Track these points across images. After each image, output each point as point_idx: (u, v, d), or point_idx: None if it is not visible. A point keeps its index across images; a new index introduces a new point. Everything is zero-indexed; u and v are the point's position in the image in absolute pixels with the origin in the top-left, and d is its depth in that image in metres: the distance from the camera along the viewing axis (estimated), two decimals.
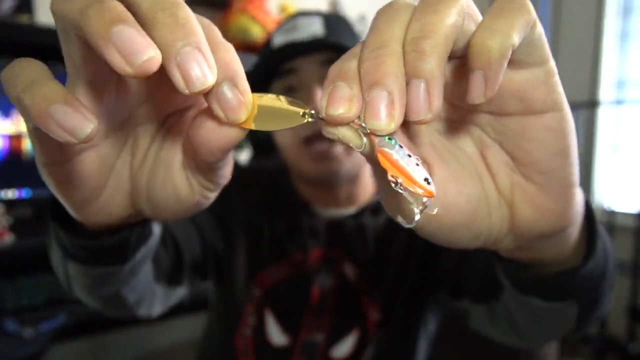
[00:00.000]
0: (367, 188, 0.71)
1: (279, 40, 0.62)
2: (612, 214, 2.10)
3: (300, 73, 0.61)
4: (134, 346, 1.72)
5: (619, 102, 2.05)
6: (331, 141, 0.59)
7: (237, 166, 0.76)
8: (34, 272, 1.26)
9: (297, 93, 0.62)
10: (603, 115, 2.32)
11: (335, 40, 0.60)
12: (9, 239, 1.29)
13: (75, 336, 1.37)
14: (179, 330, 1.83)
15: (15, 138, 1.30)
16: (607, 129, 2.31)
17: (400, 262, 0.66)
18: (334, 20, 0.63)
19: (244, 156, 1.70)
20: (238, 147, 1.68)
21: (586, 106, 2.21)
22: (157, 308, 0.53)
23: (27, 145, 1.31)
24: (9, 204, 1.38)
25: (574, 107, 2.00)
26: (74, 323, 1.10)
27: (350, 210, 0.69)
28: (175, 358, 1.78)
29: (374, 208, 0.69)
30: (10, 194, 1.32)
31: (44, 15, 1.40)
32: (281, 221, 0.69)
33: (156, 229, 0.38)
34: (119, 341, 1.68)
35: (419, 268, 0.66)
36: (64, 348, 1.55)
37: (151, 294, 0.49)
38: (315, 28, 0.60)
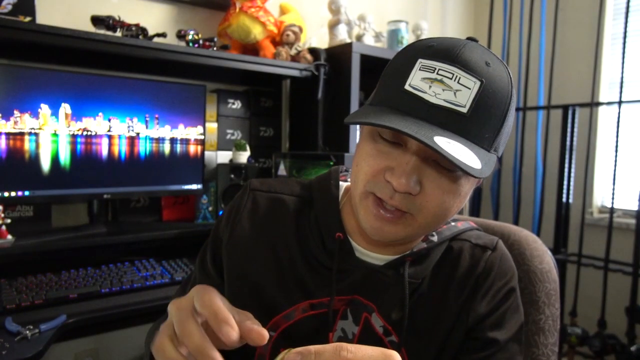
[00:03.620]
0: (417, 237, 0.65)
1: (417, 79, 0.52)
2: (612, 213, 2.10)
3: (408, 143, 0.54)
4: (134, 346, 1.72)
5: (618, 102, 2.05)
6: (399, 211, 0.55)
7: (277, 192, 0.71)
8: (34, 272, 1.27)
9: (391, 164, 0.54)
10: (603, 115, 2.32)
11: (458, 148, 0.49)
12: (9, 239, 1.29)
13: (75, 336, 1.37)
14: None
15: (15, 138, 1.30)
16: (607, 129, 2.32)
17: (434, 322, 0.63)
18: (492, 93, 0.51)
19: (244, 158, 1.70)
20: (240, 148, 1.68)
21: (586, 106, 2.21)
22: None
23: (27, 145, 1.32)
24: (9, 204, 1.38)
25: (574, 107, 1.99)
26: (74, 323, 1.10)
27: (391, 255, 0.63)
28: None
29: (418, 256, 0.63)
30: (10, 194, 1.32)
31: (44, 16, 1.40)
32: (312, 258, 0.65)
33: None
34: (119, 341, 1.68)
35: (452, 332, 0.62)
36: (64, 348, 1.55)
37: None
38: (462, 98, 0.50)
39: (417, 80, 0.52)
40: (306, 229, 0.67)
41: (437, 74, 0.51)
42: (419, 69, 0.52)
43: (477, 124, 0.51)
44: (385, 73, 0.58)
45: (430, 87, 0.51)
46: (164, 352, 0.44)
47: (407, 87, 0.52)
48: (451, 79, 0.51)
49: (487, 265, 0.65)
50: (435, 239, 0.65)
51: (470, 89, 0.51)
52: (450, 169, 0.53)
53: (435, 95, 0.51)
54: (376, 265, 0.63)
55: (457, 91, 0.51)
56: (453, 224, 0.68)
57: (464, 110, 0.50)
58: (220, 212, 1.67)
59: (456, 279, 0.64)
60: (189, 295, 0.47)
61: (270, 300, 0.65)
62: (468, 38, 0.56)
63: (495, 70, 0.53)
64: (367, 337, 0.63)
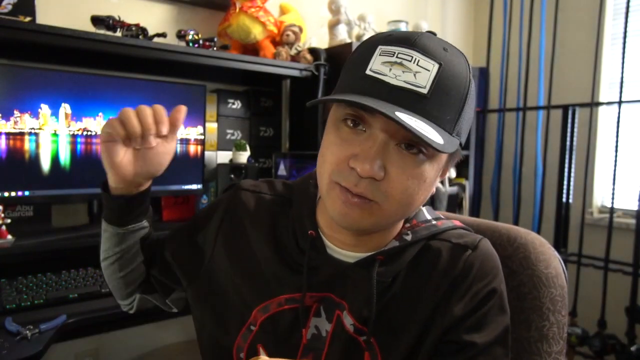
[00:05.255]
0: (391, 233, 0.65)
1: (377, 64, 0.53)
2: (612, 213, 2.10)
3: (371, 128, 0.54)
4: (134, 346, 1.72)
5: (618, 102, 2.05)
6: (366, 199, 0.55)
7: (260, 191, 0.74)
8: (34, 272, 1.26)
9: (354, 151, 0.55)
10: (603, 115, 2.32)
11: (422, 125, 0.50)
12: (9, 239, 1.29)
13: (75, 336, 1.36)
14: (178, 330, 1.82)
15: (15, 138, 1.30)
16: (607, 129, 2.32)
17: (406, 322, 0.62)
18: (451, 76, 0.53)
19: (244, 158, 1.70)
20: (240, 148, 1.68)
21: (586, 106, 2.21)
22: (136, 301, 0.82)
23: (27, 145, 1.32)
24: (9, 204, 1.38)
25: (574, 107, 1.99)
26: (74, 323, 1.10)
27: (364, 253, 0.64)
28: (174, 358, 1.78)
29: (389, 255, 0.63)
30: (10, 194, 1.32)
31: (44, 16, 1.40)
32: (286, 254, 0.66)
33: (145, 223, 0.75)
34: (119, 341, 1.68)
35: (425, 334, 0.62)
36: (64, 348, 1.55)
37: (139, 274, 0.77)
38: (422, 79, 0.52)
39: (378, 65, 0.53)
40: (283, 227, 0.68)
41: (397, 57, 0.53)
42: (379, 55, 0.54)
43: (437, 105, 0.52)
44: (346, 64, 0.59)
45: (390, 70, 0.52)
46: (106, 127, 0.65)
47: (368, 71, 0.53)
48: (410, 61, 0.52)
49: (466, 266, 0.62)
50: (409, 238, 0.64)
51: (429, 70, 0.52)
52: (413, 150, 0.54)
53: (396, 77, 0.52)
54: (347, 263, 0.63)
55: (416, 73, 0.52)
56: (434, 222, 0.67)
57: (424, 91, 0.51)
58: None
59: (432, 278, 0.63)
60: (107, 121, 0.65)
61: (249, 294, 0.66)
62: (427, 32, 0.58)
63: (453, 56, 0.55)
64: (340, 335, 0.62)
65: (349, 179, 0.54)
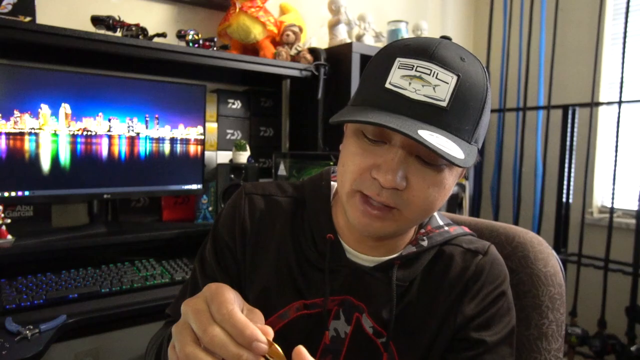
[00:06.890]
0: (406, 237, 0.67)
1: (396, 77, 0.54)
2: (612, 213, 2.10)
3: (392, 140, 0.55)
4: (134, 346, 1.72)
5: (618, 102, 2.05)
6: (386, 207, 0.56)
7: (273, 193, 0.72)
8: (34, 272, 1.27)
9: (376, 161, 0.55)
10: (603, 115, 2.32)
11: (442, 141, 0.51)
12: (9, 239, 1.29)
13: (75, 336, 1.37)
14: None
15: (15, 138, 1.30)
16: (607, 129, 2.32)
17: (422, 325, 0.64)
18: (469, 86, 0.53)
19: (244, 158, 1.70)
20: (240, 148, 1.68)
21: (586, 106, 2.21)
22: None
23: (27, 145, 1.32)
24: (9, 204, 1.38)
25: (574, 107, 1.99)
26: (74, 323, 1.10)
27: (382, 257, 0.65)
28: None
29: (407, 259, 0.65)
30: (10, 194, 1.32)
31: (44, 16, 1.40)
32: (304, 258, 0.66)
33: None
34: (119, 341, 1.68)
35: (439, 335, 0.64)
36: (64, 348, 1.55)
37: None
38: (441, 92, 0.52)
39: (397, 78, 0.54)
40: (299, 230, 0.68)
41: (416, 70, 0.53)
42: (398, 67, 0.54)
43: (456, 117, 0.53)
44: (365, 74, 0.60)
45: (410, 83, 0.53)
46: None
47: (387, 85, 0.54)
48: (429, 74, 0.53)
49: (477, 270, 0.66)
50: (425, 243, 0.66)
51: (448, 83, 0.53)
52: (433, 162, 0.55)
53: (416, 91, 0.52)
54: (366, 267, 0.65)
55: (435, 86, 0.52)
56: (446, 228, 0.69)
57: (444, 104, 0.52)
58: None
59: (446, 282, 0.65)
60: (203, 295, 0.45)
61: (268, 301, 0.66)
62: (442, 37, 0.59)
63: (470, 65, 0.55)
64: (359, 337, 0.64)
65: (371, 188, 0.56)
